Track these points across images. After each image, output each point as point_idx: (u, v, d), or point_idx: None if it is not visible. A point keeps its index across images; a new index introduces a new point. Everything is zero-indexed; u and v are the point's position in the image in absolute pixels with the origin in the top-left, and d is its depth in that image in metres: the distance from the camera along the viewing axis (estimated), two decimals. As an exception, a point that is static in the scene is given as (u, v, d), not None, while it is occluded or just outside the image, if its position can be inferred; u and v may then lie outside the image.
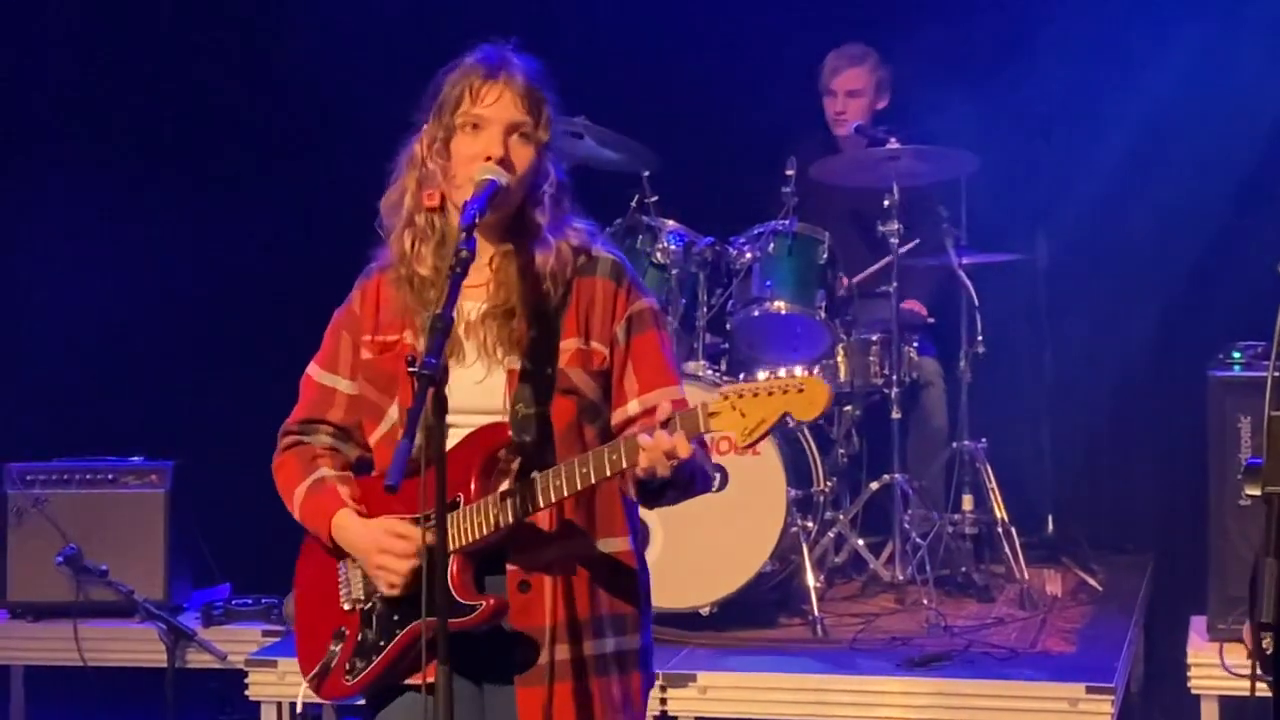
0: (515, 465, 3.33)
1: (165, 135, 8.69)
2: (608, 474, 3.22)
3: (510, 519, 3.27)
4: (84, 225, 8.36)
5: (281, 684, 5.85)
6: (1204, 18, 7.34)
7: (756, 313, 6.46)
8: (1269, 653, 3.56)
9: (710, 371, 6.23)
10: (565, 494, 3.25)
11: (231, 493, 6.43)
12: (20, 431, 7.15)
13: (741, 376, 5.93)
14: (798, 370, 3.12)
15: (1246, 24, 7.46)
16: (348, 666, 3.43)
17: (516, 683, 3.35)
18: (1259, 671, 3.65)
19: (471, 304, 3.37)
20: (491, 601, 3.28)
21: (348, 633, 3.46)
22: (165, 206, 8.25)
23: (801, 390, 3.09)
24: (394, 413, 3.45)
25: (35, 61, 8.70)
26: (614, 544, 3.41)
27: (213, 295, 8.17)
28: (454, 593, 3.26)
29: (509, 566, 3.34)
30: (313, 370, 3.57)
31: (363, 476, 3.55)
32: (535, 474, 3.29)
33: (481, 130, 3.35)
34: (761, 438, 3.15)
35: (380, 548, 3.29)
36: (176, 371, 8.15)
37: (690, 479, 3.25)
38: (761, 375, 3.16)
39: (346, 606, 3.47)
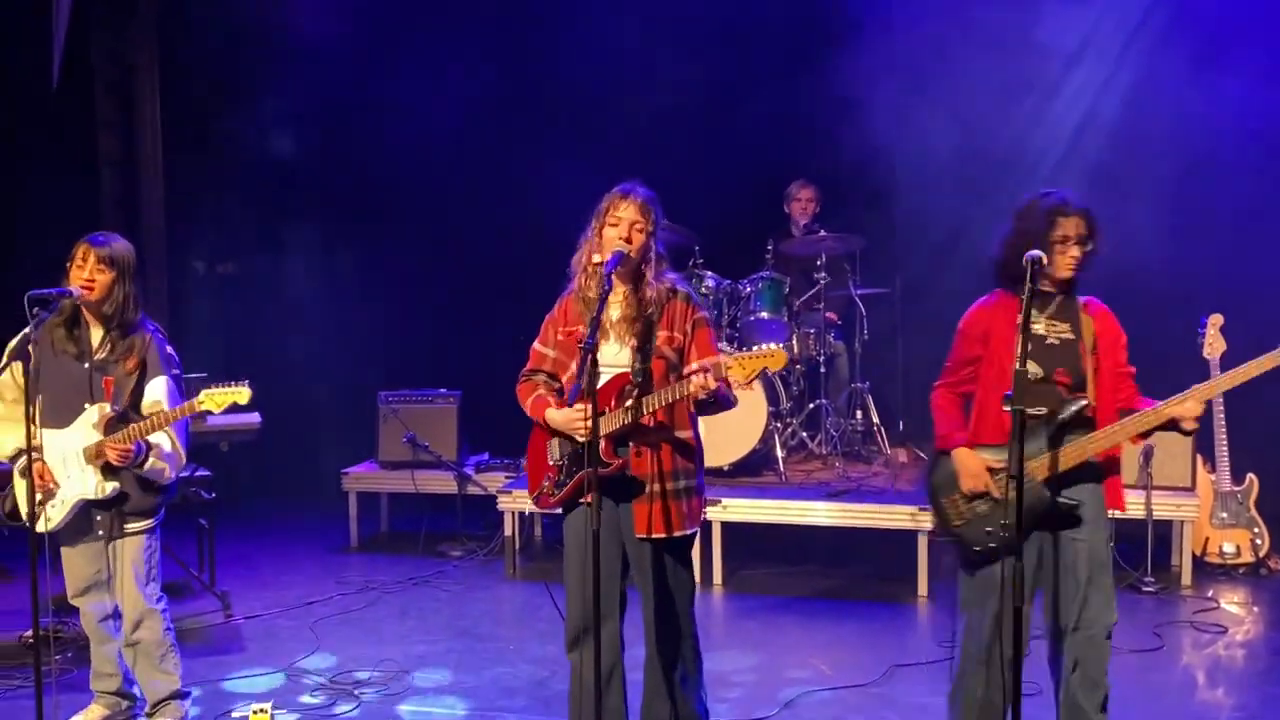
0: (634, 393, 3.26)
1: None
2: (676, 398, 3.17)
3: (630, 420, 3.22)
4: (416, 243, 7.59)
5: (514, 502, 5.84)
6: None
7: (752, 318, 6.26)
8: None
9: (729, 348, 6.04)
10: (657, 408, 3.21)
11: (486, 408, 6.26)
12: (386, 374, 6.94)
13: (742, 348, 5.75)
14: (771, 345, 3.07)
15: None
16: (553, 492, 3.38)
17: (634, 503, 3.30)
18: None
19: (615, 311, 3.31)
20: (620, 460, 3.25)
21: (551, 476, 3.40)
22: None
23: (773, 355, 3.05)
24: (574, 366, 3.37)
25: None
26: (683, 433, 3.32)
27: (485, 287, 7.33)
28: (603, 457, 3.22)
29: (631, 443, 3.27)
30: (536, 345, 3.45)
31: (559, 399, 3.42)
32: (643, 397, 3.23)
33: (618, 225, 3.26)
34: (754, 379, 3.11)
35: (575, 419, 3.24)
36: (463, 342, 7.39)
37: (718, 401, 3.19)
38: (755, 348, 3.09)
39: (551, 463, 3.40)
